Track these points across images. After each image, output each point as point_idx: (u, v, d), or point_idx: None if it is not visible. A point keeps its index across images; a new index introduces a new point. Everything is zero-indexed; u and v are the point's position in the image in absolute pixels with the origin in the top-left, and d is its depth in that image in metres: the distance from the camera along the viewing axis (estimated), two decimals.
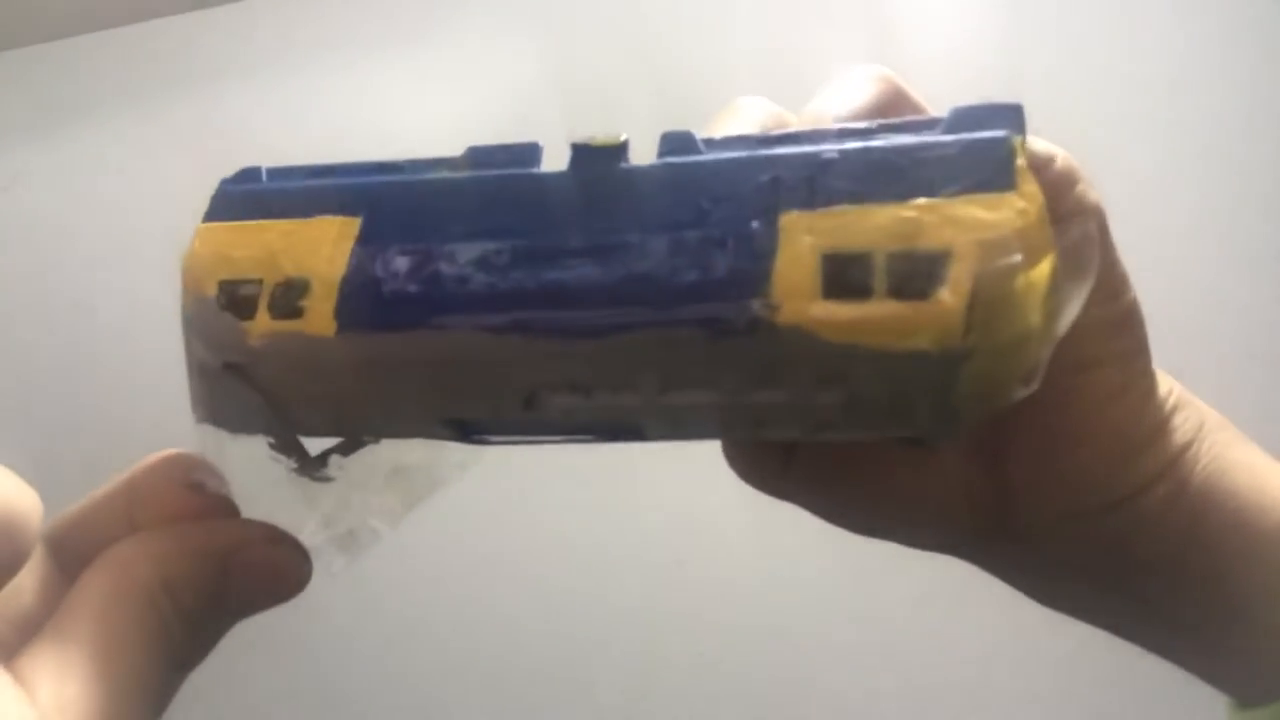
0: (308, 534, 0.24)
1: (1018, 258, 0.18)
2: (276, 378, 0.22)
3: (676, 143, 0.21)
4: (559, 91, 0.87)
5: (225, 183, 0.25)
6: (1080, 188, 0.23)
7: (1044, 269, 0.19)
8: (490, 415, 0.22)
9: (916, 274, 0.18)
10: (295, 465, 0.24)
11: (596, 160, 0.21)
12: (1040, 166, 0.22)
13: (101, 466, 0.89)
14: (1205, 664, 0.27)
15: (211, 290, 0.22)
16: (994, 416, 0.20)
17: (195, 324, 0.23)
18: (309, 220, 0.22)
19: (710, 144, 0.21)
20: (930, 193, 0.19)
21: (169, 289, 0.89)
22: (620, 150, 0.21)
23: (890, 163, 0.19)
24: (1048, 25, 0.80)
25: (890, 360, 0.18)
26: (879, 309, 0.18)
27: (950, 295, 0.18)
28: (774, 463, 0.26)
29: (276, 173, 0.25)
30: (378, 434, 0.24)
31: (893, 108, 0.23)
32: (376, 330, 0.21)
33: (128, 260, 0.90)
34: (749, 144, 0.20)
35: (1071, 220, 0.23)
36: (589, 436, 0.22)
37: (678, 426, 0.21)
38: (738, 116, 0.23)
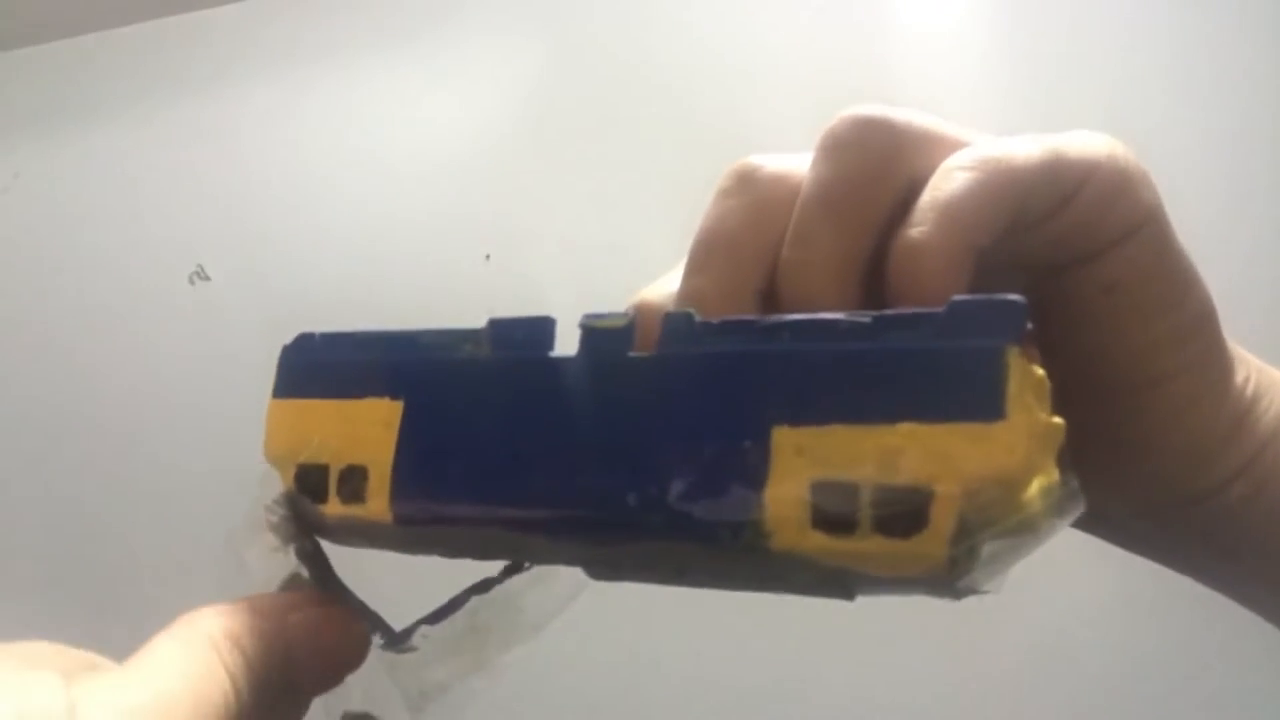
0: (388, 703, 0.25)
1: (1005, 493, 0.18)
2: (349, 541, 0.25)
3: (677, 328, 0.21)
4: (559, 93, 0.87)
5: (286, 351, 0.27)
6: (1128, 200, 0.22)
7: (1039, 484, 0.19)
8: (539, 562, 0.25)
9: (900, 512, 0.18)
10: (381, 641, 0.25)
11: (603, 343, 0.22)
12: (1079, 183, 0.22)
13: (101, 466, 0.89)
14: None
15: (290, 474, 0.25)
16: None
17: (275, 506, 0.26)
18: (361, 401, 0.24)
19: (708, 331, 0.21)
20: (918, 414, 0.19)
21: (169, 289, 0.88)
22: (626, 334, 0.22)
23: (881, 375, 0.19)
24: (1047, 25, 0.80)
25: (884, 578, 0.19)
26: (865, 544, 0.19)
27: (930, 539, 0.18)
28: None
29: (329, 341, 0.27)
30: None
31: (879, 181, 0.22)
32: (425, 524, 0.23)
33: (128, 260, 0.90)
34: (746, 334, 0.21)
35: (1112, 248, 0.22)
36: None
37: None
38: (744, 185, 0.23)
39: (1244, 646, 0.45)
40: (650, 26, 0.87)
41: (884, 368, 0.19)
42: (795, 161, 0.23)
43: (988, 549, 0.19)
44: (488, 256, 0.87)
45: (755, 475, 0.19)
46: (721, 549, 0.20)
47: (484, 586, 0.25)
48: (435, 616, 0.25)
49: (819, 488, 0.19)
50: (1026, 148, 0.21)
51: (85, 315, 0.89)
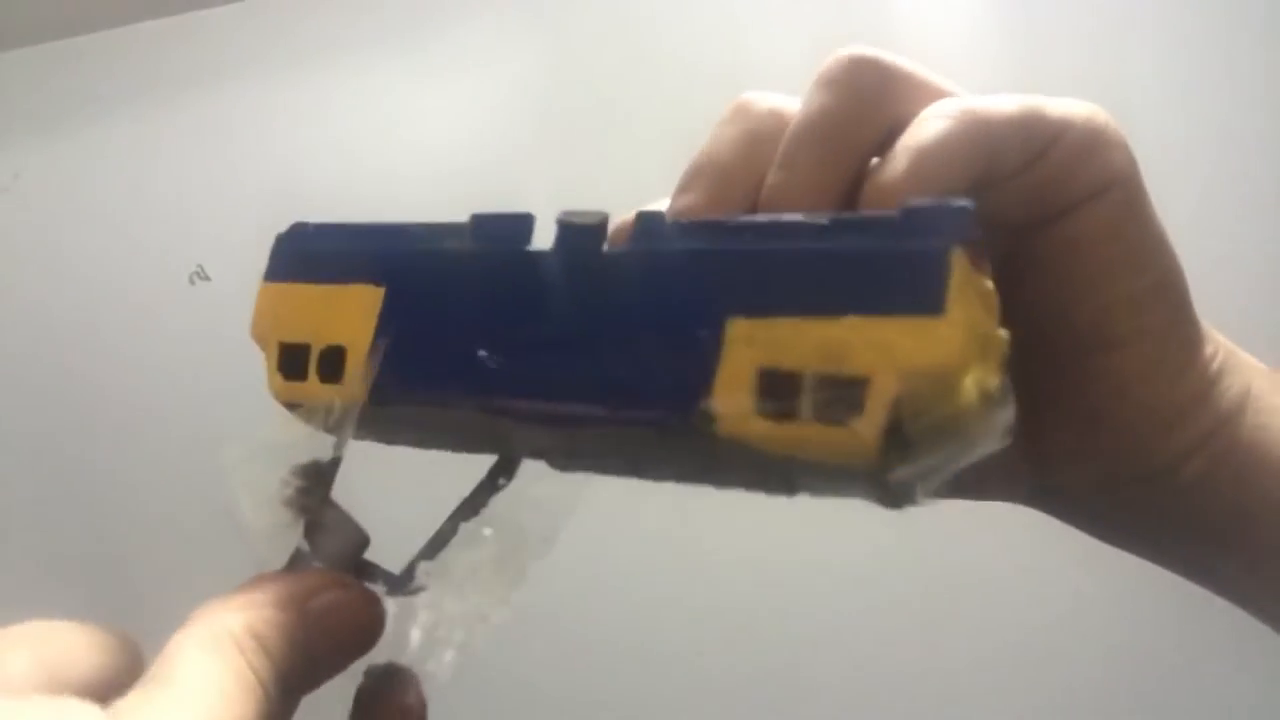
0: (411, 649, 0.25)
1: (939, 385, 0.19)
2: (328, 428, 0.26)
3: (649, 226, 0.22)
4: (560, 93, 0.87)
5: (280, 239, 0.29)
6: (1099, 160, 0.22)
7: (974, 382, 0.19)
8: (505, 459, 0.25)
9: (838, 399, 0.19)
10: (385, 589, 0.25)
11: (578, 239, 0.23)
12: (1052, 139, 0.22)
13: (101, 466, 0.89)
14: (1255, 610, 0.26)
15: (273, 350, 0.26)
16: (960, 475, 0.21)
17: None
18: (345, 287, 0.25)
19: (678, 230, 0.22)
20: (863, 308, 0.19)
21: (169, 289, 0.89)
22: (599, 230, 0.23)
23: (832, 271, 0.20)
24: (1046, 24, 0.80)
25: (823, 466, 0.20)
26: (805, 430, 0.19)
27: (865, 425, 0.19)
28: None
29: (321, 231, 0.28)
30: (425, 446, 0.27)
31: (863, 117, 0.23)
32: (397, 403, 0.24)
33: (127, 260, 0.90)
34: (713, 233, 0.22)
35: (1081, 205, 0.22)
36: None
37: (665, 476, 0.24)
38: (740, 116, 0.24)
39: (1233, 641, 0.45)
40: (651, 25, 0.86)
41: (835, 265, 0.20)
42: (791, 100, 0.24)
43: (922, 446, 0.19)
44: None
45: (707, 362, 0.20)
46: (672, 435, 0.21)
47: (470, 509, 0.25)
48: (429, 550, 0.25)
49: (765, 375, 0.20)
50: (1004, 102, 0.22)
51: (85, 315, 0.89)
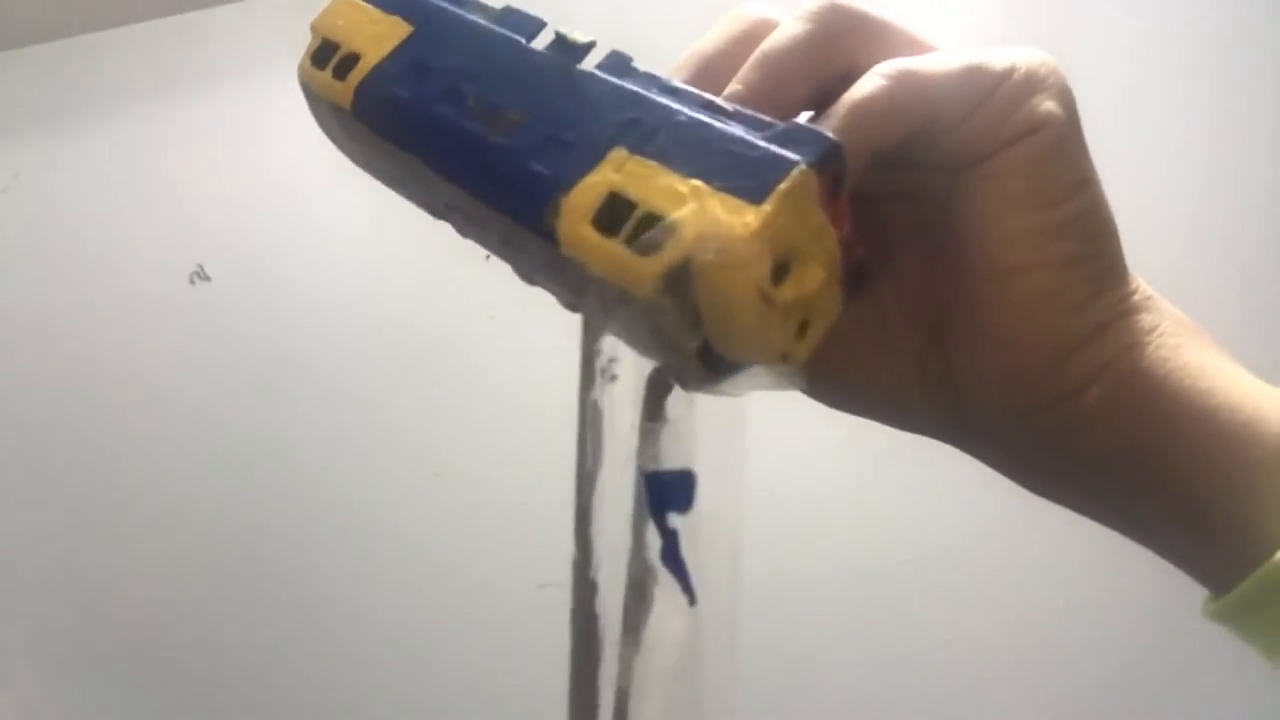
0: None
1: (723, 259, 0.22)
2: (327, 128, 0.32)
3: (613, 60, 0.27)
4: None
5: None
6: (1030, 106, 0.24)
7: (755, 278, 0.22)
8: (430, 210, 0.30)
9: (648, 234, 0.22)
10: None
11: (564, 51, 0.27)
12: (989, 91, 0.24)
13: (100, 466, 0.89)
14: (1172, 556, 0.27)
15: (316, 41, 0.32)
16: (754, 379, 0.24)
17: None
18: (389, 16, 0.30)
19: (631, 73, 0.26)
20: (710, 179, 0.23)
21: (169, 289, 0.89)
22: (583, 50, 0.27)
23: (708, 144, 0.23)
24: (1046, 22, 0.80)
25: (619, 292, 0.23)
26: (614, 250, 0.23)
27: (654, 262, 0.22)
28: None
29: None
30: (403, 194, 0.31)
31: (819, 52, 0.25)
32: (369, 123, 0.29)
33: (128, 260, 0.90)
34: (653, 84, 0.26)
35: (1006, 147, 0.24)
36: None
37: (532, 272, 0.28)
38: (734, 19, 0.26)
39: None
40: (652, 26, 0.87)
41: (714, 141, 0.23)
42: (784, 18, 0.26)
43: (706, 322, 0.22)
44: (488, 257, 0.87)
45: (581, 165, 0.24)
46: (523, 221, 0.25)
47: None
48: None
49: (612, 196, 0.23)
50: (948, 61, 0.24)
51: (85, 315, 0.89)
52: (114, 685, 0.71)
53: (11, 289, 0.90)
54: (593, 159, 0.24)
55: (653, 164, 0.23)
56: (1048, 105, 0.24)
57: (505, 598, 0.73)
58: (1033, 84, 0.24)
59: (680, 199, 0.23)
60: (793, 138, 0.23)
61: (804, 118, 0.25)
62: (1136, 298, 0.26)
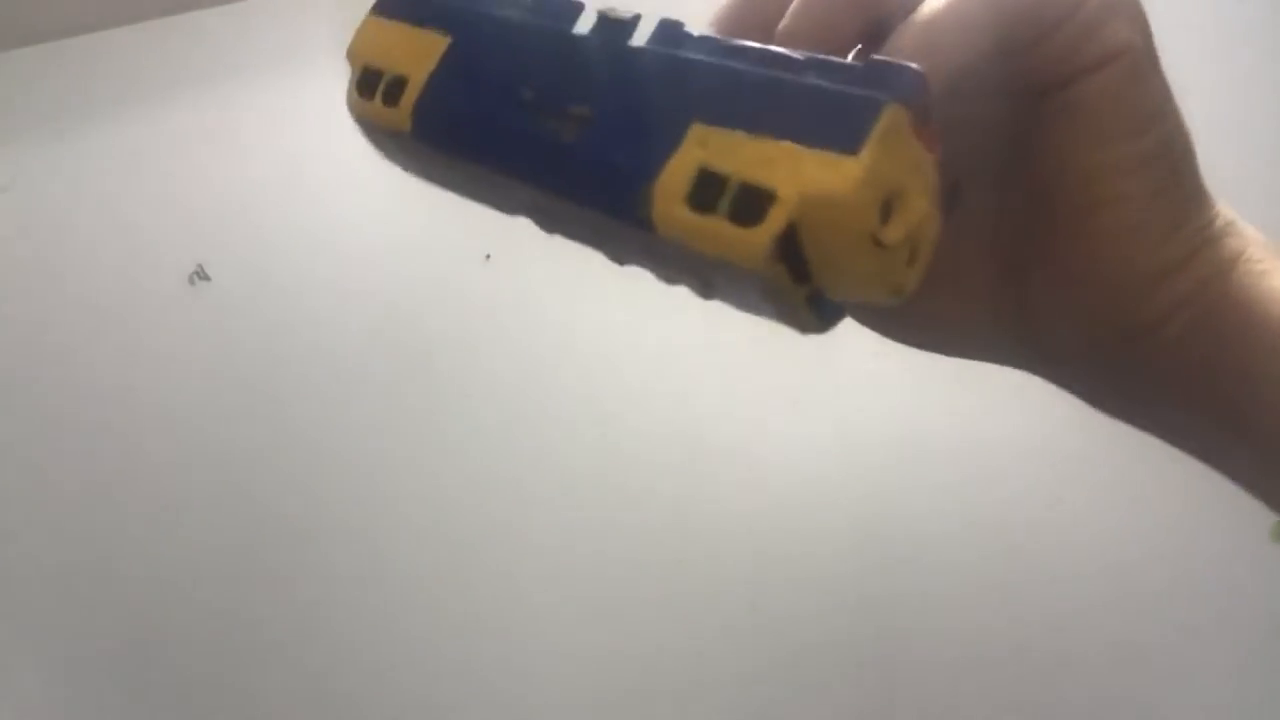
0: None
1: (831, 213, 0.21)
2: (388, 151, 0.31)
3: (665, 30, 0.26)
4: None
5: None
6: (1108, 32, 0.23)
7: (866, 225, 0.22)
8: (509, 212, 0.29)
9: (748, 204, 0.22)
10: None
11: (611, 31, 0.26)
12: (1068, 14, 0.23)
13: (100, 465, 0.88)
14: (1251, 484, 0.27)
15: (357, 70, 0.31)
16: (872, 315, 0.24)
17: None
18: (423, 30, 0.29)
19: (689, 39, 0.25)
20: (800, 138, 0.22)
21: (168, 289, 0.88)
22: (631, 25, 0.26)
23: (787, 101, 0.22)
24: None
25: (729, 267, 0.22)
26: (717, 225, 0.22)
27: (761, 231, 0.22)
28: None
29: None
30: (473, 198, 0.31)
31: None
32: (432, 141, 0.28)
33: (128, 260, 0.90)
34: (712, 47, 0.25)
35: (1082, 76, 0.23)
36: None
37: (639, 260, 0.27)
38: None
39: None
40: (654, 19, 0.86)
41: (791, 94, 0.22)
42: None
43: (818, 272, 0.22)
44: (488, 256, 0.87)
45: (665, 152, 0.23)
46: (620, 215, 0.24)
47: None
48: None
49: (703, 173, 0.23)
50: None
51: (84, 315, 0.89)
52: (114, 685, 0.71)
53: (11, 289, 0.90)
54: (673, 140, 0.23)
55: (737, 133, 0.23)
56: (1126, 31, 0.23)
57: (505, 597, 0.73)
58: (1110, 9, 0.23)
59: (773, 164, 0.22)
60: (872, 76, 0.22)
61: (854, 54, 0.24)
62: (1219, 223, 0.25)
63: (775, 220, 0.21)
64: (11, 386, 0.90)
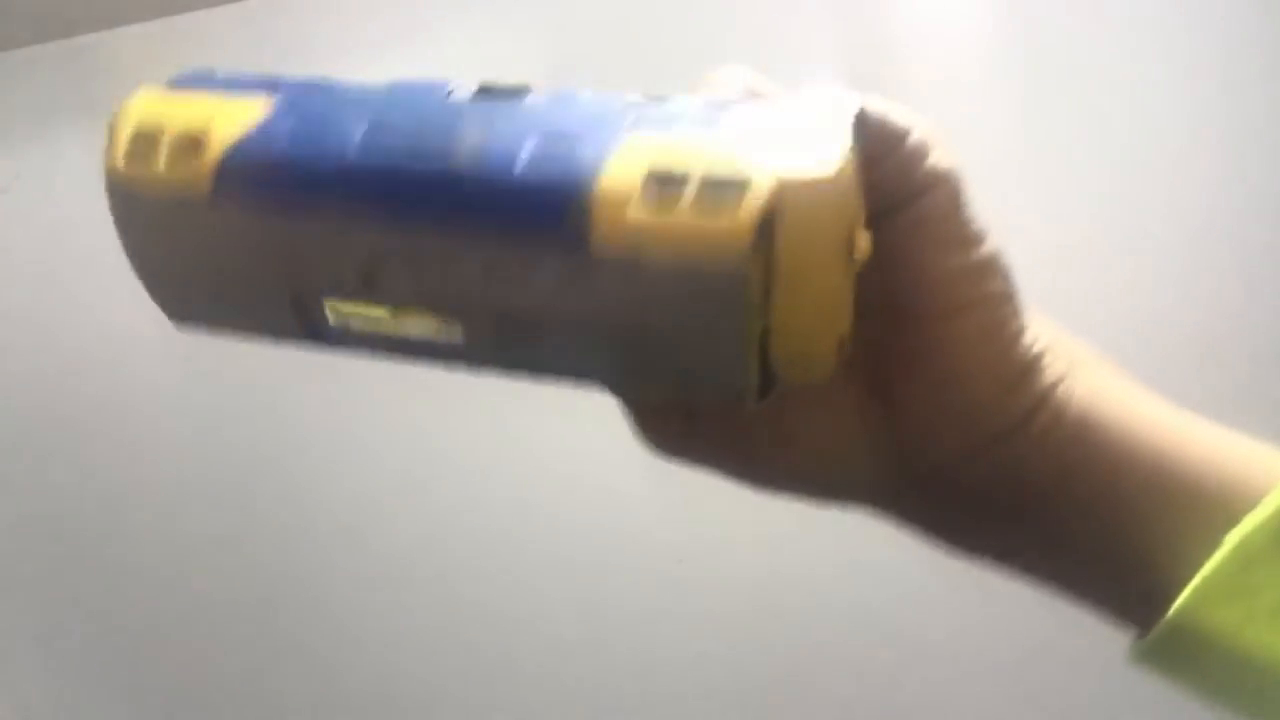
0: None
1: (817, 196, 0.20)
2: (145, 236, 0.26)
3: (568, 90, 0.24)
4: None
5: (176, 75, 0.26)
6: (930, 160, 0.26)
7: (847, 215, 0.21)
8: (332, 289, 0.23)
9: (718, 193, 0.20)
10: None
11: (498, 96, 0.23)
12: (899, 138, 0.25)
13: (100, 465, 0.89)
14: (1105, 598, 0.28)
15: (125, 135, 0.24)
16: (805, 383, 0.23)
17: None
18: (233, 96, 0.24)
19: (599, 93, 0.23)
20: (760, 141, 0.21)
21: None
22: (521, 92, 0.23)
23: (738, 119, 0.22)
24: (1045, 21, 0.80)
25: (679, 289, 0.21)
26: (674, 223, 0.20)
27: (739, 215, 0.20)
28: (678, 424, 0.28)
29: (228, 71, 0.26)
30: (233, 322, 0.26)
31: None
32: (235, 199, 0.23)
33: (127, 259, 0.90)
34: (633, 98, 0.23)
35: (922, 194, 0.26)
36: (421, 346, 0.24)
37: (503, 338, 0.23)
38: (715, 83, 0.26)
39: None
40: (656, 21, 0.86)
41: (744, 117, 0.22)
42: (760, 79, 0.26)
43: (782, 264, 0.21)
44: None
45: (598, 156, 0.21)
46: (548, 220, 0.21)
47: None
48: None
49: (652, 175, 0.20)
50: (873, 99, 0.25)
51: (85, 315, 0.89)
52: (114, 685, 0.71)
53: (11, 289, 0.90)
54: (604, 149, 0.21)
55: (684, 139, 0.21)
56: (948, 159, 0.26)
57: (505, 598, 0.73)
58: (931, 140, 0.26)
59: (736, 159, 0.20)
60: (816, 102, 0.22)
61: None
62: (1046, 334, 0.28)
63: (753, 204, 0.20)
64: (11, 385, 0.90)
